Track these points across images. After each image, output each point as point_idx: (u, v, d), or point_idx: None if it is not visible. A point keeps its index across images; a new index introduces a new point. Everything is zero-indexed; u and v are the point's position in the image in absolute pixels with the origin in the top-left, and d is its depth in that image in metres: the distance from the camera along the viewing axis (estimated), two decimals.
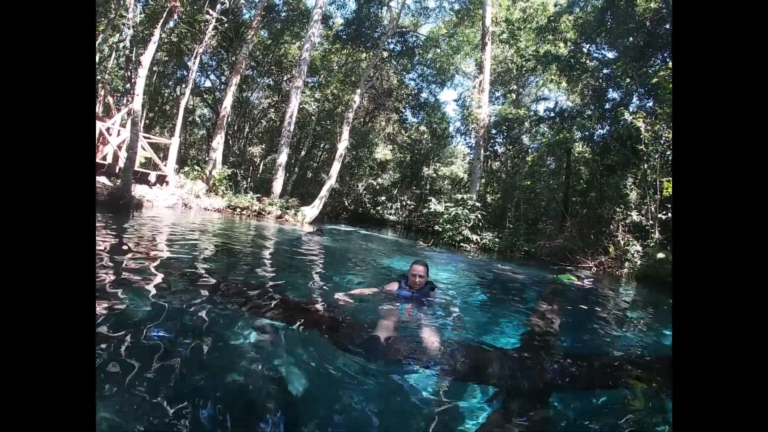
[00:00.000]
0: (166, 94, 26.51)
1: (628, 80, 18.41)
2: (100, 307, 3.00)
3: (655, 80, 14.48)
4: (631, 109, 16.65)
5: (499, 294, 7.63)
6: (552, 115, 22.27)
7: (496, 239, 19.23)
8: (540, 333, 4.62)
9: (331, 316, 3.82)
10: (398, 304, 4.48)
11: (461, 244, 18.88)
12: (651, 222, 15.62)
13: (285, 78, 26.48)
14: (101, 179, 11.12)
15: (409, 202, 31.60)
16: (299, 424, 2.12)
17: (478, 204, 19.94)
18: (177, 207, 12.36)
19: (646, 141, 14.32)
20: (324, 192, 20.51)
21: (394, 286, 4.86)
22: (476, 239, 19.26)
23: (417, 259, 5.05)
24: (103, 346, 2.44)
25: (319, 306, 4.21)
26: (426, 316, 4.20)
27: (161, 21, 11.86)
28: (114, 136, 12.62)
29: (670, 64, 13.34)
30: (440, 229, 19.47)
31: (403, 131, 33.32)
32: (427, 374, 2.87)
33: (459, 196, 20.46)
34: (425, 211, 23.43)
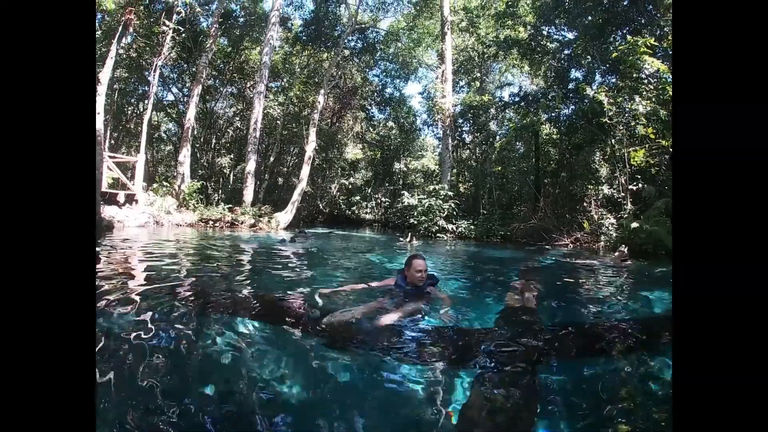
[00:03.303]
0: (129, 112, 25.97)
1: (589, 58, 18.69)
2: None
3: (614, 55, 14.75)
4: (593, 87, 16.94)
5: (476, 277, 7.71)
6: (517, 99, 22.46)
7: (472, 226, 19.40)
8: (518, 308, 4.71)
9: (311, 312, 3.80)
10: (391, 299, 4.30)
11: (437, 234, 19.01)
12: (622, 194, 15.92)
13: (248, 85, 26.19)
14: None
15: (383, 199, 31.58)
16: (287, 425, 2.10)
17: (450, 193, 20.04)
18: (148, 225, 12.17)
19: (609, 114, 14.57)
20: (296, 196, 20.40)
21: (390, 282, 4.71)
22: (452, 228, 19.41)
23: (414, 253, 4.84)
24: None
25: (300, 303, 4.20)
26: (423, 308, 4.08)
27: (117, 35, 11.62)
28: None
29: (629, 38, 13.65)
30: (415, 222, 19.54)
31: (371, 129, 33.27)
32: (415, 365, 2.87)
33: (431, 188, 20.56)
34: (399, 206, 23.49)
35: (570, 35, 20.01)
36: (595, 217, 16.74)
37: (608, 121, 14.67)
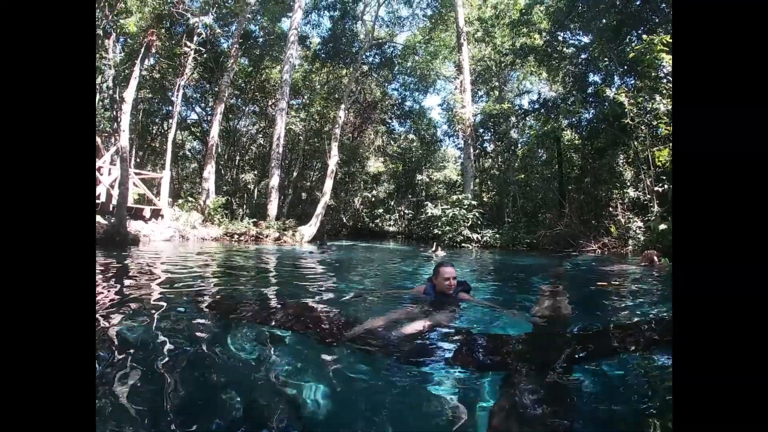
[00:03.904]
0: (154, 131, 26.59)
1: (606, 61, 18.50)
2: (103, 335, 2.98)
3: (632, 55, 14.54)
4: (613, 89, 16.73)
5: (505, 285, 7.59)
6: (537, 106, 22.33)
7: (497, 235, 19.24)
8: (550, 314, 4.57)
9: (343, 319, 3.73)
10: (420, 307, 4.15)
11: (462, 244, 18.89)
12: (648, 196, 15.62)
13: (269, 103, 26.57)
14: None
15: (406, 211, 31.50)
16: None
17: (474, 203, 19.95)
18: (174, 239, 12.34)
19: (631, 115, 14.36)
20: (320, 209, 20.52)
21: (420, 290, 4.58)
22: (477, 237, 19.29)
23: (441, 260, 4.72)
24: (108, 370, 2.39)
25: (328, 312, 4.13)
26: (450, 316, 3.93)
27: (140, 56, 11.93)
28: (105, 175, 12.59)
29: (645, 37, 13.42)
30: (440, 233, 19.44)
31: (392, 142, 33.42)
32: (447, 370, 2.77)
33: (454, 197, 20.47)
34: (423, 217, 23.42)
35: (585, 39, 19.89)
36: (622, 221, 16.45)
37: (630, 122, 14.45)
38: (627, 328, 3.99)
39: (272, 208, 18.71)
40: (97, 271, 6.00)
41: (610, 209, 17.86)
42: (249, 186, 29.18)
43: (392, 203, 32.36)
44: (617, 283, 7.43)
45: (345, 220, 31.06)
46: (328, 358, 2.90)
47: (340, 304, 4.53)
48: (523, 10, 20.84)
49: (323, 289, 6.07)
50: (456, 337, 3.40)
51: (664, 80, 13.77)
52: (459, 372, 2.73)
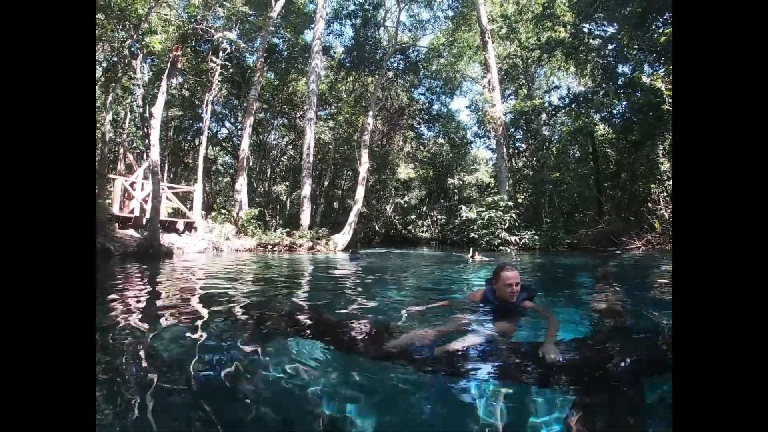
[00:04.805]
0: (186, 147, 27.08)
1: (635, 50, 17.88)
2: (139, 345, 3.00)
3: (662, 39, 13.98)
4: (645, 77, 16.20)
5: (554, 287, 7.22)
6: (567, 101, 21.76)
7: (535, 236, 18.79)
8: (609, 318, 4.21)
9: (380, 330, 3.45)
10: (476, 318, 3.79)
11: (500, 247, 18.47)
12: None
13: (298, 115, 26.76)
14: (129, 232, 11.16)
15: (439, 216, 31.21)
16: None
17: (510, 204, 19.53)
18: (208, 251, 12.33)
19: (670, 101, 13.79)
20: (352, 217, 20.40)
21: (477, 296, 4.13)
22: (515, 240, 18.84)
23: (502, 263, 4.00)
24: (145, 383, 2.35)
25: (365, 323, 3.87)
26: (511, 327, 3.53)
27: (167, 70, 12.01)
28: (138, 190, 12.74)
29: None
30: (476, 236, 19.05)
31: (421, 147, 33.17)
32: (494, 383, 2.56)
33: (490, 199, 20.09)
34: (457, 221, 23.09)
35: (611, 29, 19.23)
36: (666, 215, 15.90)
37: (669, 109, 13.87)
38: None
39: (305, 218, 18.68)
40: (130, 283, 5.94)
41: (649, 204, 17.32)
42: (281, 197, 29.35)
43: (424, 209, 32.10)
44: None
45: (377, 228, 30.96)
46: (364, 372, 2.75)
47: (383, 318, 4.26)
48: (546, 4, 20.29)
49: (361, 299, 5.85)
50: (508, 351, 3.08)
51: None
52: (505, 387, 2.50)
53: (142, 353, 2.86)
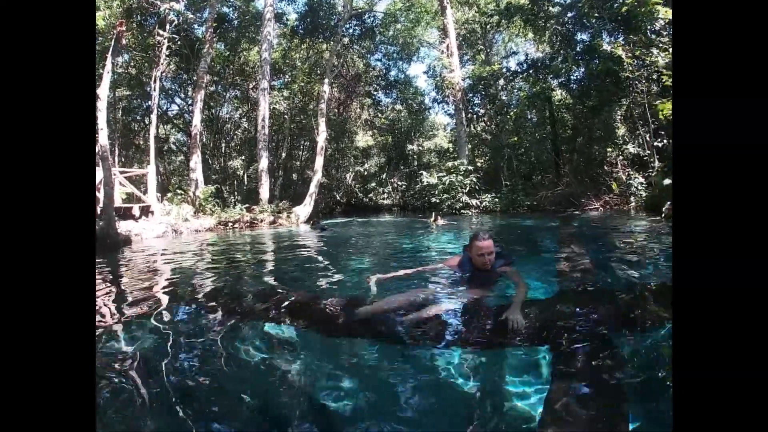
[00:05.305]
0: (136, 128, 25.94)
1: (595, 18, 18.03)
2: (104, 343, 2.87)
3: (624, 9, 14.16)
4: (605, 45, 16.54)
5: (516, 248, 7.33)
6: (525, 67, 21.88)
7: (496, 199, 19.17)
8: (576, 277, 4.29)
9: (352, 304, 3.38)
10: (450, 285, 3.76)
11: (462, 210, 18.77)
12: (648, 152, 15.60)
13: (251, 86, 25.92)
14: None
15: (399, 182, 31.13)
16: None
17: (470, 168, 19.77)
18: (167, 234, 11.90)
19: (630, 68, 14.19)
20: (312, 188, 20.09)
21: (453, 262, 4.07)
22: (476, 203, 19.17)
23: (476, 232, 3.83)
24: (116, 380, 2.30)
25: (335, 299, 3.80)
26: (483, 294, 3.49)
27: (111, 48, 11.30)
28: None
29: None
30: (437, 201, 19.24)
31: (379, 114, 32.74)
32: (465, 350, 2.59)
33: (450, 164, 20.26)
34: (418, 187, 23.19)
35: None
36: (623, 177, 16.49)
37: (630, 76, 14.25)
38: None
39: (264, 192, 18.32)
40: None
41: (606, 168, 17.89)
42: (238, 172, 28.62)
43: (384, 176, 31.94)
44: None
45: (338, 197, 30.72)
46: (340, 350, 2.78)
47: (352, 291, 4.23)
48: None
49: (330, 273, 5.83)
50: (479, 317, 3.13)
51: (659, 34, 13.49)
52: (476, 353, 2.58)
53: (108, 349, 2.76)
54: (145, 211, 13.34)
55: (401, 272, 4.24)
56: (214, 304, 3.90)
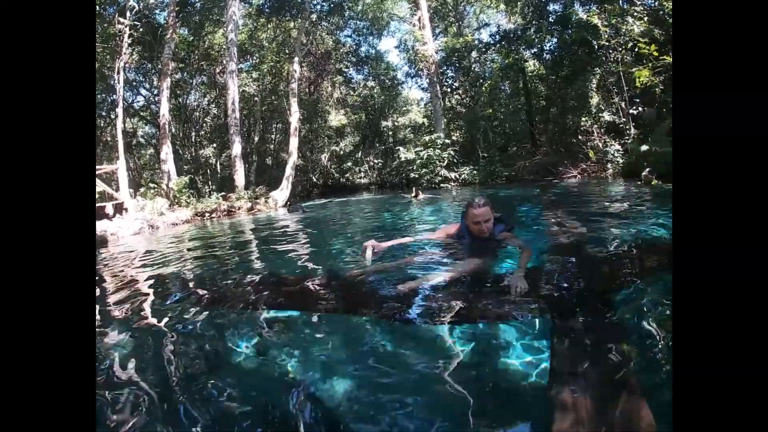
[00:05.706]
0: (102, 124, 25.01)
1: None
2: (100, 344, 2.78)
3: None
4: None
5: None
6: (497, 39, 21.78)
7: (474, 171, 19.30)
8: (567, 239, 4.29)
9: (341, 283, 3.36)
10: (447, 251, 3.65)
11: (441, 184, 18.85)
12: (624, 120, 15.83)
13: (217, 70, 25.22)
14: None
15: (375, 160, 30.85)
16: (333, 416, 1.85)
17: (447, 141, 19.81)
18: (143, 230, 11.53)
19: (606, 36, 14.28)
20: (288, 171, 19.71)
21: (452, 230, 3.94)
22: (455, 176, 19.27)
23: (470, 200, 3.64)
24: (106, 387, 2.16)
25: (320, 279, 3.69)
26: (481, 264, 3.36)
27: None
28: None
29: None
30: (416, 176, 19.25)
31: (351, 92, 32.27)
32: (463, 322, 2.52)
33: (427, 138, 20.25)
34: (395, 164, 23.08)
35: None
36: (600, 145, 16.75)
37: (606, 44, 14.36)
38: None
39: (239, 179, 17.94)
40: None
41: (581, 137, 18.09)
42: (211, 160, 28.00)
43: (360, 155, 31.59)
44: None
45: (315, 180, 30.33)
46: (333, 330, 2.72)
47: (340, 266, 4.18)
48: None
49: (315, 254, 5.80)
50: (477, 285, 3.03)
51: (635, 2, 13.56)
52: (473, 324, 2.51)
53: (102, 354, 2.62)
54: (119, 208, 12.93)
55: (397, 240, 4.14)
56: (197, 298, 3.77)
